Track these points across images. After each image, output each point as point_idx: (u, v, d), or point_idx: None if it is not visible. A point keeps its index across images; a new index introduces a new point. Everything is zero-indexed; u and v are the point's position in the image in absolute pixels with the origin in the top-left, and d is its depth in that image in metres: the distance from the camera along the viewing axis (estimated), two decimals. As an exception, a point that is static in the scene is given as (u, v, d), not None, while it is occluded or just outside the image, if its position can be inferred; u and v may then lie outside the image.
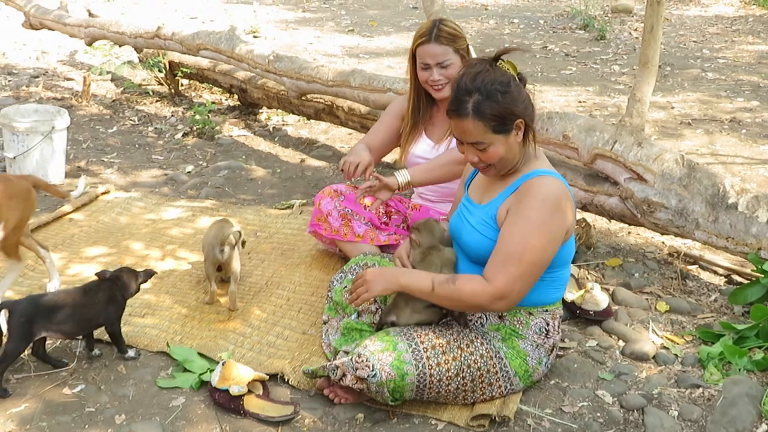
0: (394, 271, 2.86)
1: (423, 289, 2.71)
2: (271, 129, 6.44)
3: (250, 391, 2.84)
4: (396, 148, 3.96)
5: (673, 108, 6.98)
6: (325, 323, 3.21)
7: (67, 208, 4.60)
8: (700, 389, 2.93)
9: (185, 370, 3.02)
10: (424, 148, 3.75)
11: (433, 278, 2.70)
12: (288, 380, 2.97)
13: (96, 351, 3.11)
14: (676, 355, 3.19)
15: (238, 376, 2.82)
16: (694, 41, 10.13)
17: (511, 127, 2.64)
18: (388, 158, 5.04)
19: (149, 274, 3.23)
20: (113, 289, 3.08)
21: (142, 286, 3.24)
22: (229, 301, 3.54)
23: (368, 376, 2.61)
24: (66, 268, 3.86)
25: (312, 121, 6.40)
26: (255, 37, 10.14)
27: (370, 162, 3.60)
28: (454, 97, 2.66)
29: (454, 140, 2.84)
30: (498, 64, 2.69)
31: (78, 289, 3.12)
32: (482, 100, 2.60)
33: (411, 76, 3.72)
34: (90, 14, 8.37)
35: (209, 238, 3.59)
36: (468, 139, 2.68)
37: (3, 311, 2.93)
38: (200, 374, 2.97)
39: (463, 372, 2.70)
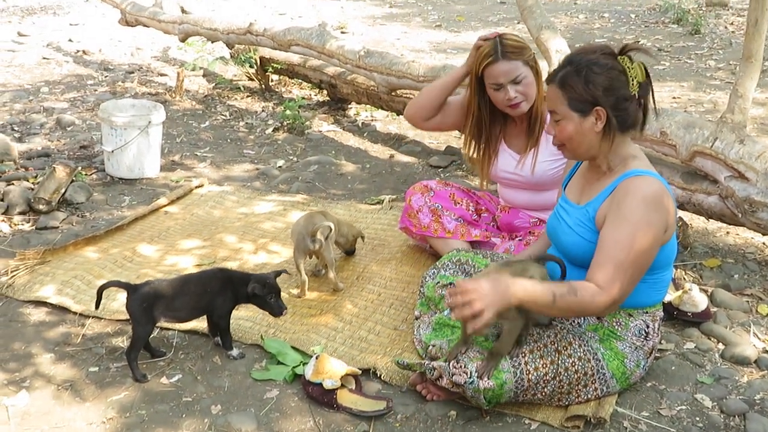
0: (506, 283, 2.50)
1: (543, 302, 2.52)
2: (360, 124, 6.48)
3: (343, 386, 2.85)
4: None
5: (772, 104, 6.76)
6: (417, 318, 3.20)
7: (162, 200, 4.71)
8: (806, 396, 2.84)
9: (279, 362, 3.05)
10: (508, 161, 3.66)
11: (553, 290, 2.52)
12: (380, 375, 2.97)
13: (234, 352, 3.14)
14: (779, 360, 3.09)
15: (331, 370, 2.84)
16: (794, 35, 9.77)
17: (589, 110, 2.60)
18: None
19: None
20: (226, 282, 3.12)
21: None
22: (332, 284, 3.63)
23: (465, 382, 2.60)
24: (162, 260, 3.95)
25: (401, 116, 6.40)
26: (342, 32, 10.21)
27: None
28: (557, 66, 2.70)
29: None
30: (629, 63, 2.60)
31: (192, 276, 3.20)
32: (571, 71, 2.60)
33: (472, 100, 3.55)
34: (183, 11, 8.56)
35: (299, 227, 3.63)
36: (548, 106, 2.70)
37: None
38: (294, 367, 3.00)
39: (560, 375, 2.67)
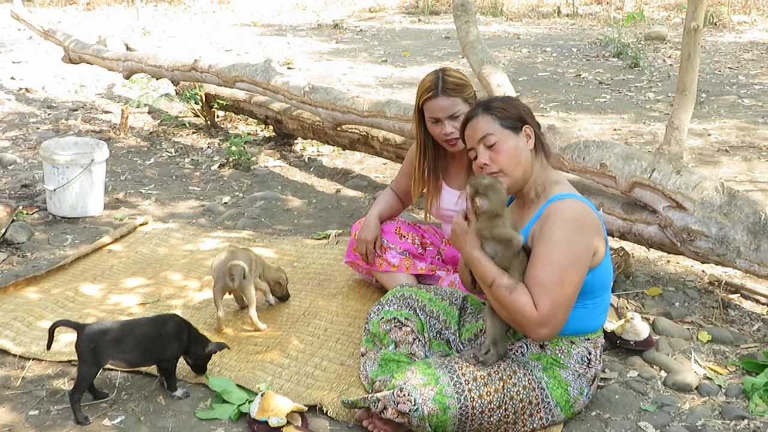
0: (474, 244, 2.71)
1: (484, 278, 2.68)
2: (306, 159, 6.48)
3: (288, 423, 2.83)
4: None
5: (709, 135, 6.92)
6: (363, 355, 3.20)
7: (106, 239, 4.65)
8: (746, 421, 2.88)
9: (224, 401, 3.02)
10: (449, 199, 3.71)
11: (496, 276, 2.64)
12: (326, 411, 2.95)
13: (179, 392, 3.10)
14: (719, 385, 3.14)
15: (276, 408, 2.82)
16: (729, 68, 10.06)
17: (520, 128, 2.79)
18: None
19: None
20: (181, 327, 3.09)
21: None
22: (252, 324, 3.60)
23: (410, 410, 2.61)
24: (105, 299, 3.89)
25: (347, 151, 6.43)
26: (289, 68, 10.24)
27: (376, 237, 3.76)
28: (468, 112, 2.90)
29: None
30: None
31: (146, 319, 3.16)
32: (491, 102, 2.85)
33: (417, 132, 3.63)
34: (128, 48, 8.53)
35: (220, 263, 3.61)
36: (478, 135, 2.80)
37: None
38: (239, 405, 2.97)
39: (505, 404, 2.68)
